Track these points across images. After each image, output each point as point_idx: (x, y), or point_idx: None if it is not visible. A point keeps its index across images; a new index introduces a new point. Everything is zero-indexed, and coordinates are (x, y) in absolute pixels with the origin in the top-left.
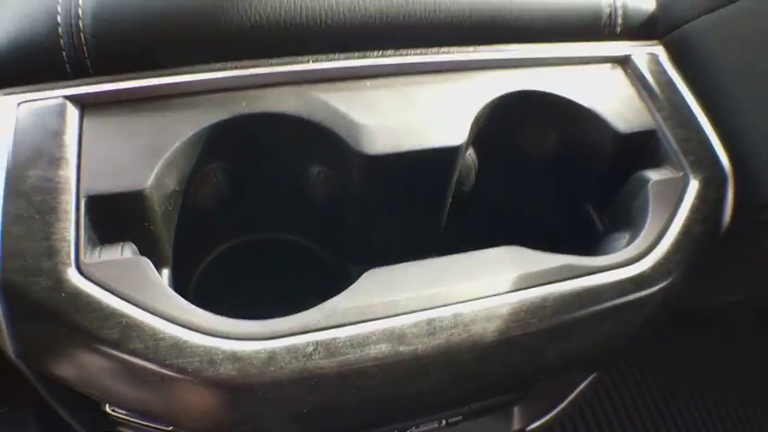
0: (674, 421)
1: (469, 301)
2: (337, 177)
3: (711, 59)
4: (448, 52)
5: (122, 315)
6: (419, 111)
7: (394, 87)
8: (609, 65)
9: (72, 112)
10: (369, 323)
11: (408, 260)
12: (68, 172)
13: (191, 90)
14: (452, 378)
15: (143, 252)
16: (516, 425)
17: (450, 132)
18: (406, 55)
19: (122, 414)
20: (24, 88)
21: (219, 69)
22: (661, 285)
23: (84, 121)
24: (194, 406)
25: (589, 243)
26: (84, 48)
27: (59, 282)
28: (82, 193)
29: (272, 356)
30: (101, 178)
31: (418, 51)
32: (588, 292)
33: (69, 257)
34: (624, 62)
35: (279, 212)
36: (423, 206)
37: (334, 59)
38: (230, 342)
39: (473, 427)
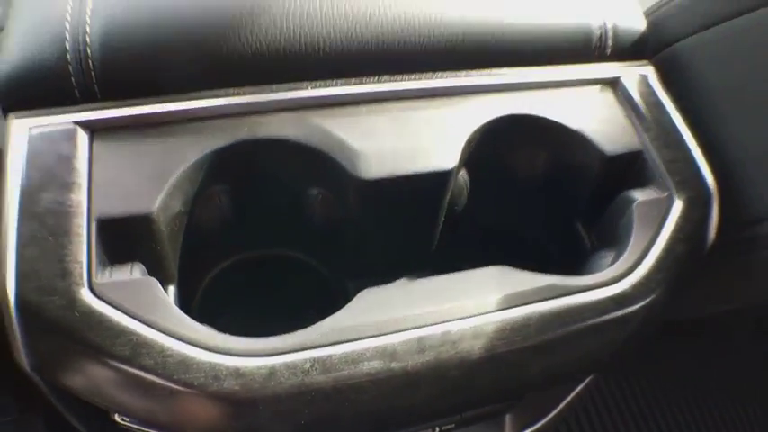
0: (669, 428)
1: (457, 319)
2: (335, 199)
3: (700, 78)
4: (441, 77)
5: (133, 333)
6: (413, 135)
7: (389, 112)
8: (598, 86)
9: (82, 137)
10: (362, 341)
11: (403, 275)
12: (80, 196)
13: (195, 116)
14: (441, 392)
15: (150, 270)
16: None
17: (442, 157)
18: (401, 80)
19: (130, 423)
20: (35, 112)
21: (222, 96)
22: (642, 304)
23: (94, 145)
24: (199, 418)
25: (577, 260)
26: (93, 74)
27: (73, 301)
28: (93, 216)
29: (272, 372)
30: (110, 202)
31: (412, 77)
32: (570, 311)
33: (82, 278)
34: (614, 84)
35: (279, 230)
36: (417, 225)
37: (332, 85)
38: (233, 358)
39: None
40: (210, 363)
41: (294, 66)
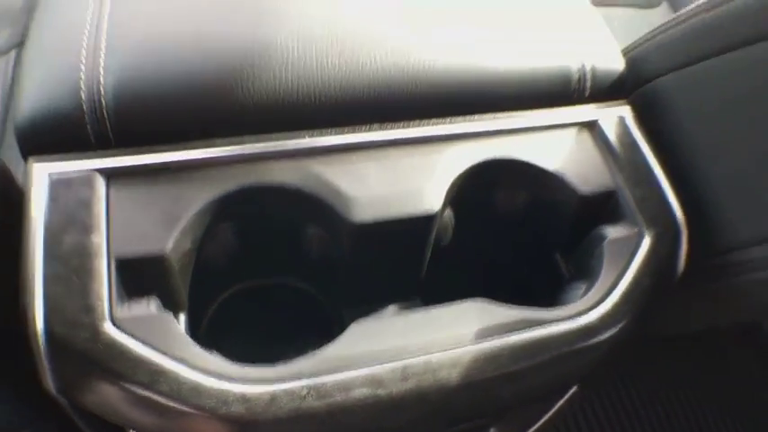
0: None
1: (437, 351)
2: (330, 237)
3: (675, 115)
4: (427, 124)
5: (151, 362)
6: (401, 181)
7: (379, 159)
8: (577, 129)
9: (99, 183)
10: (352, 370)
11: (393, 303)
12: (99, 238)
13: (202, 163)
14: (422, 415)
15: (164, 302)
16: None
17: (428, 201)
18: (390, 129)
19: None
20: (54, 157)
21: (227, 144)
22: (608, 334)
23: (111, 190)
24: None
25: (555, 288)
26: (107, 123)
27: (97, 334)
28: (112, 256)
29: (273, 398)
30: (127, 243)
31: (401, 124)
32: (539, 343)
33: (104, 313)
34: (591, 126)
35: (280, 263)
36: (405, 261)
37: (327, 134)
38: (240, 385)
39: None
40: (220, 389)
41: (292, 115)
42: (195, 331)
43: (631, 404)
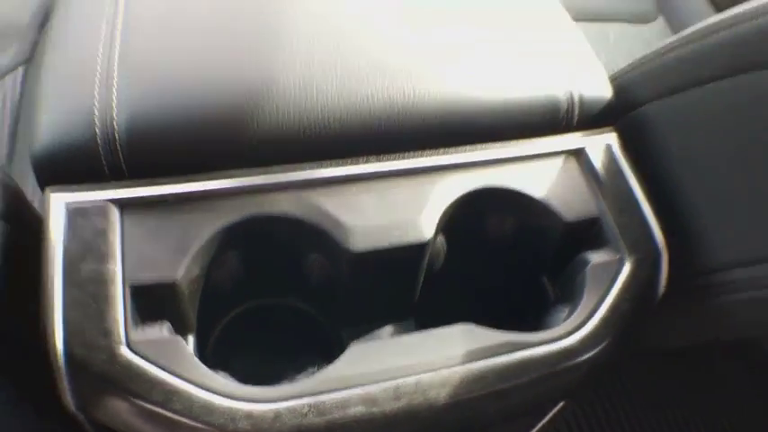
0: None
1: (428, 372)
2: (329, 263)
3: (661, 141)
4: (420, 155)
5: (165, 383)
6: (395, 211)
7: (375, 191)
8: (564, 157)
9: (113, 213)
10: (349, 390)
11: (389, 323)
12: (114, 265)
13: (209, 194)
14: (414, 431)
15: (174, 324)
16: None
17: (421, 230)
18: (385, 160)
19: None
20: (70, 187)
21: (233, 176)
22: (588, 355)
23: (124, 220)
24: None
25: (541, 310)
26: (120, 155)
27: (114, 356)
28: (127, 283)
29: (277, 415)
30: (141, 270)
31: (395, 156)
32: (522, 364)
33: (120, 336)
34: (578, 153)
35: (282, 286)
36: (400, 285)
37: (326, 166)
38: (246, 404)
39: None
40: (228, 407)
41: (294, 149)
42: (203, 350)
43: (618, 422)
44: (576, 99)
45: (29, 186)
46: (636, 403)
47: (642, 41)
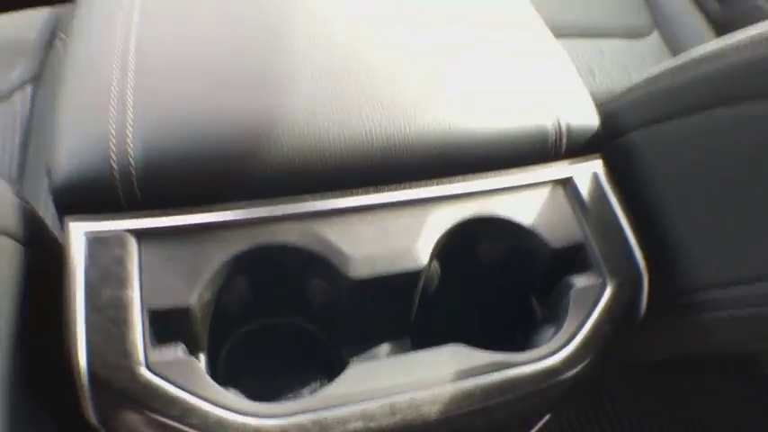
0: None
1: (420, 390)
2: (331, 288)
3: (646, 167)
4: (417, 186)
5: (182, 401)
6: (392, 240)
7: (373, 221)
8: (552, 185)
9: (131, 242)
10: (349, 406)
11: (386, 342)
12: (133, 291)
13: (220, 224)
14: None
15: (188, 345)
16: None
17: (416, 258)
18: (383, 191)
19: None
20: (88, 216)
21: (241, 207)
22: (570, 374)
23: (141, 248)
24: None
25: (530, 329)
26: (136, 188)
27: (134, 376)
28: (144, 308)
29: (283, 430)
30: (157, 296)
31: (393, 187)
32: (507, 382)
33: (140, 358)
34: (566, 182)
35: (287, 308)
36: (396, 308)
37: (328, 197)
38: (256, 419)
39: None
40: (240, 423)
41: (298, 181)
42: (213, 367)
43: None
44: (564, 129)
45: (41, 203)
46: (619, 414)
47: (637, 57)
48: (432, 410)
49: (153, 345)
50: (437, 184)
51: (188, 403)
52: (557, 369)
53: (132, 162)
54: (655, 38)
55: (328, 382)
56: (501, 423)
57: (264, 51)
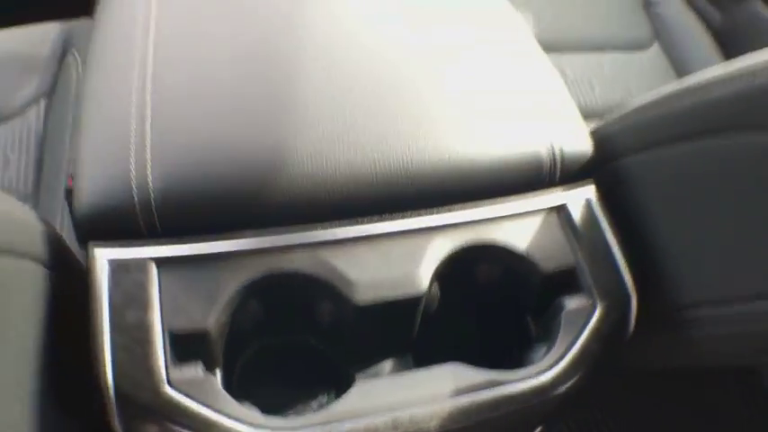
0: None
1: (421, 406)
2: (337, 311)
3: (636, 192)
4: (417, 215)
5: (202, 416)
6: (394, 267)
7: (377, 249)
8: (546, 212)
9: (152, 268)
10: (354, 421)
11: (389, 358)
12: (154, 315)
13: (235, 253)
14: None
15: (206, 363)
16: None
17: (417, 284)
18: (386, 221)
19: None
20: (111, 243)
21: (254, 236)
22: (560, 391)
23: (161, 274)
24: None
25: (525, 346)
26: (156, 218)
27: (157, 393)
28: (165, 329)
29: None
30: (177, 319)
31: (395, 216)
32: (501, 399)
33: (162, 377)
34: (560, 209)
35: (297, 327)
36: (399, 328)
37: (334, 226)
38: None
39: None
40: None
41: (306, 212)
42: (228, 382)
43: None
44: (558, 157)
45: (57, 217)
46: (610, 421)
47: (637, 69)
48: (431, 425)
49: (174, 363)
50: (437, 213)
51: (208, 418)
52: (547, 386)
53: (152, 194)
54: (655, 49)
55: (335, 396)
56: None
57: (275, 86)
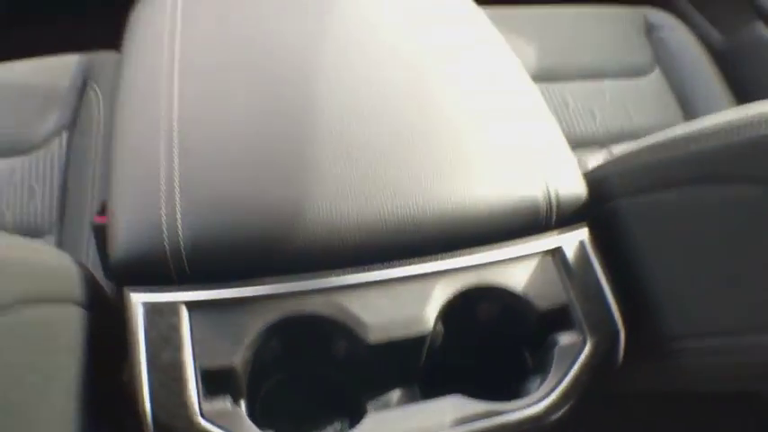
0: None
1: None
2: (351, 349)
3: (628, 233)
4: (423, 261)
5: None
6: (403, 309)
7: (386, 293)
8: (542, 255)
9: (183, 311)
10: None
11: (398, 388)
12: (186, 355)
13: (258, 297)
14: None
15: (233, 396)
16: None
17: (422, 324)
18: (395, 267)
19: None
20: (144, 288)
21: (274, 282)
22: (552, 419)
23: (192, 317)
24: None
25: (522, 378)
26: (185, 265)
27: (191, 424)
28: (197, 367)
29: None
30: (207, 358)
31: (402, 263)
32: (498, 428)
33: (196, 409)
34: (555, 252)
35: (314, 361)
36: (406, 362)
37: (348, 273)
38: None
39: None
40: None
41: (322, 258)
42: (251, 410)
43: None
44: (554, 202)
45: (83, 246)
46: None
47: (638, 95)
48: None
49: (205, 397)
50: (441, 258)
51: None
52: (540, 416)
53: (182, 242)
54: (656, 75)
55: (349, 425)
56: None
57: (292, 141)
